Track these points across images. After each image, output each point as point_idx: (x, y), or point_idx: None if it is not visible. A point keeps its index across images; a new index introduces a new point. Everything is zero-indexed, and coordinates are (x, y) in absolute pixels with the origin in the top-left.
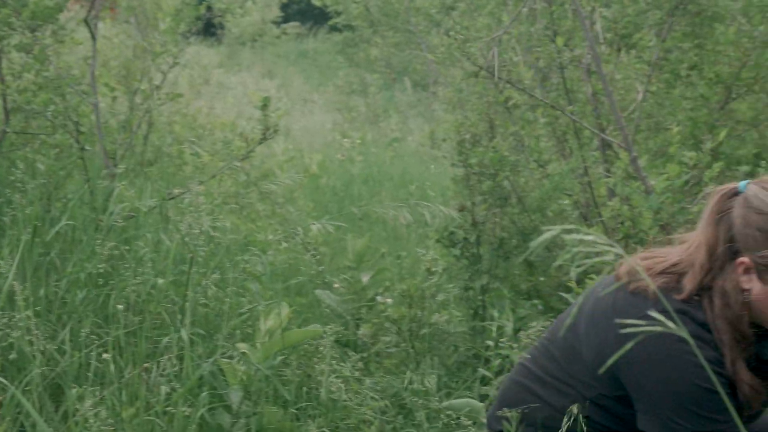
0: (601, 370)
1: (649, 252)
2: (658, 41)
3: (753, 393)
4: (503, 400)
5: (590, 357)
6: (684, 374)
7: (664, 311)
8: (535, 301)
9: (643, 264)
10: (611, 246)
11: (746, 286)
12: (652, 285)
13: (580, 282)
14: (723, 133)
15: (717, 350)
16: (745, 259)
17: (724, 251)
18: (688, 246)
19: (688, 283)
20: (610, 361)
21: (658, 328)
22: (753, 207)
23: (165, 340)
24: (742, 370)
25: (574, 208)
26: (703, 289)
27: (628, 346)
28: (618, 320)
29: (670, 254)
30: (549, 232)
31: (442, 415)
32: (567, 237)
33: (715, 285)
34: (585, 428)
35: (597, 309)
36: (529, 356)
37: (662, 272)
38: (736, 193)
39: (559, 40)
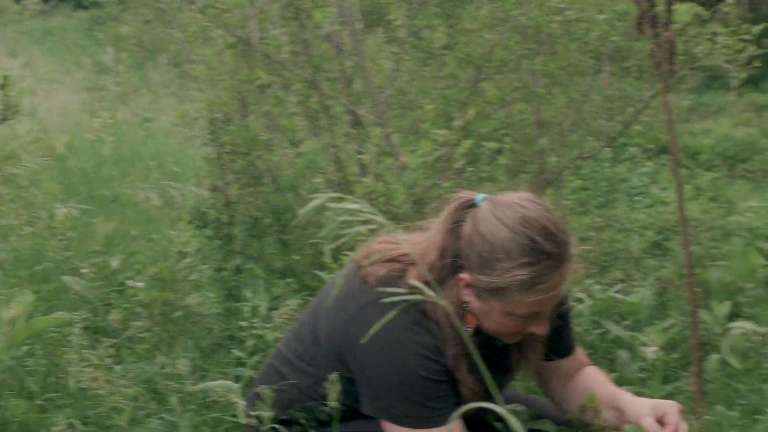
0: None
1: (388, 237)
2: (406, 20)
3: (471, 395)
4: (259, 382)
5: (325, 339)
6: (403, 361)
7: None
8: (289, 280)
9: (377, 248)
10: (375, 215)
11: (466, 299)
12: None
13: (336, 259)
14: (472, 112)
15: (436, 339)
16: (465, 276)
17: (450, 263)
18: (422, 240)
19: (412, 278)
20: (367, 343)
21: (390, 312)
22: (478, 230)
23: None
24: (463, 371)
25: (327, 186)
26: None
27: (366, 339)
28: (346, 305)
29: (405, 242)
30: (317, 200)
31: (196, 398)
32: (332, 206)
33: (440, 292)
34: (331, 409)
35: (335, 292)
36: (283, 339)
37: (392, 259)
38: (472, 205)
39: (318, 14)
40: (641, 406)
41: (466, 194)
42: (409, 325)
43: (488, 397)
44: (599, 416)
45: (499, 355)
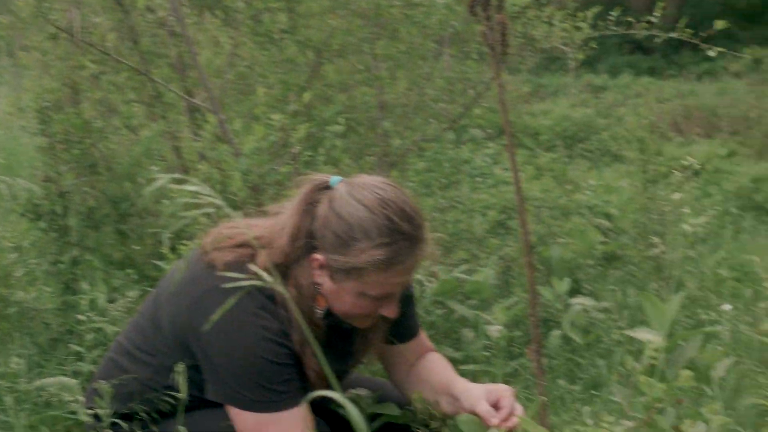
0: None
1: (236, 222)
2: (244, 3)
3: (318, 379)
4: (98, 376)
5: (167, 326)
6: (248, 346)
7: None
8: (129, 271)
9: (225, 233)
10: (215, 198)
11: (319, 280)
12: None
13: (174, 249)
14: (307, 95)
15: (283, 323)
16: (319, 256)
17: (304, 244)
18: (274, 224)
19: (261, 261)
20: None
21: (230, 300)
22: (335, 210)
23: None
24: (309, 356)
25: (166, 174)
26: (278, 268)
27: (210, 323)
28: (190, 290)
29: (254, 227)
30: (159, 180)
31: (31, 396)
32: (173, 187)
33: (291, 273)
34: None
35: (177, 279)
36: (123, 331)
37: (241, 245)
38: (327, 187)
39: (140, 1)
40: (475, 393)
41: (320, 176)
42: (254, 310)
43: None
44: (437, 403)
45: (344, 339)
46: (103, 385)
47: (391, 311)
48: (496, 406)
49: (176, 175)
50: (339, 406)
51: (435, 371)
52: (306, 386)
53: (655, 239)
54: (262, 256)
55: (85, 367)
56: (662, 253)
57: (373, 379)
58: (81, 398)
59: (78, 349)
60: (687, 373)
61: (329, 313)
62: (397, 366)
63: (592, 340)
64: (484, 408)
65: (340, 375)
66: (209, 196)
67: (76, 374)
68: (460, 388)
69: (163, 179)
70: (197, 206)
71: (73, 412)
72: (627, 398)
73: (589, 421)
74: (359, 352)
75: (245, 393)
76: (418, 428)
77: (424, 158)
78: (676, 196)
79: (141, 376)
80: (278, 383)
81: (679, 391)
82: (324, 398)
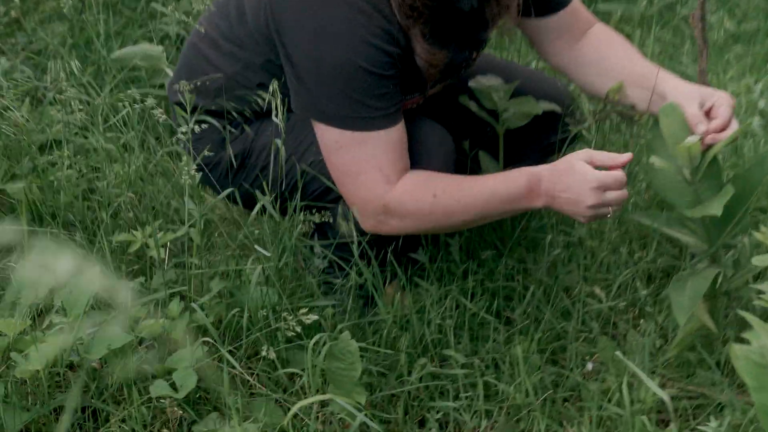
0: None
1: None
2: None
3: (428, 66)
4: (181, 67)
5: (251, 18)
6: (341, 48)
7: None
8: None
9: None
10: None
11: None
12: None
13: None
14: None
15: (390, 22)
16: None
17: None
18: None
19: None
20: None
21: None
22: None
23: None
24: (416, 41)
25: None
26: None
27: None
28: None
29: None
30: None
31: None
32: None
33: None
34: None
35: None
36: (207, 15)
37: None
38: None
39: None
40: (686, 92)
41: None
42: (353, 1)
43: (448, 69)
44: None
45: (467, 22)
46: (185, 85)
47: None
48: (708, 115)
49: None
50: (470, 97)
51: (616, 55)
52: (419, 80)
53: None
54: None
55: (171, 29)
56: None
57: (503, 62)
58: (167, 69)
59: (162, 9)
60: None
61: None
62: (552, 43)
63: None
64: (692, 110)
65: (465, 64)
66: None
67: (162, 40)
68: (669, 86)
69: None
70: None
71: (163, 85)
72: None
73: None
74: (493, 20)
75: (331, 105)
76: (569, 122)
77: None
78: None
79: (229, 70)
80: (372, 97)
81: None
82: (448, 93)
